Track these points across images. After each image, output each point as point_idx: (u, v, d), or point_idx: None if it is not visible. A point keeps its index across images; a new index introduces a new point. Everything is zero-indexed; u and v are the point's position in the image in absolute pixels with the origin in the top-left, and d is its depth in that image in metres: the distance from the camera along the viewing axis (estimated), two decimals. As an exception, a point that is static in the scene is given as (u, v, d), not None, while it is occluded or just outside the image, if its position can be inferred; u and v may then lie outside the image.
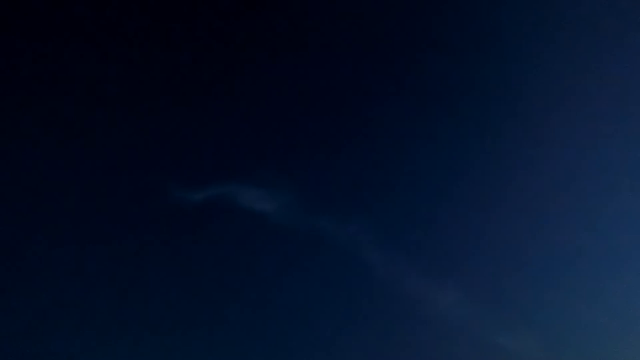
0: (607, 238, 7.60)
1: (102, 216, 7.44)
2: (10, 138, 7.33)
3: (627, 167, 7.64)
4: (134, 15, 7.74)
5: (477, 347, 7.20)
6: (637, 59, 7.78)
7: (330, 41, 7.89)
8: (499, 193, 7.90)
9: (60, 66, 7.62)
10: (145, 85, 7.73)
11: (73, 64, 7.64)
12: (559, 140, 7.91)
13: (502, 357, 7.08)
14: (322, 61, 7.90)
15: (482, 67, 8.03)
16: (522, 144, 7.94)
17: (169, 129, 7.70)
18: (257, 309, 7.38)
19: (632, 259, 7.45)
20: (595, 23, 7.83)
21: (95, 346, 6.92)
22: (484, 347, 7.19)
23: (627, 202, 7.60)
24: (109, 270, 7.30)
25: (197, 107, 7.81)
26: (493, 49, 8.02)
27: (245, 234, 7.54)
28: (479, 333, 7.28)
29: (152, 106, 7.71)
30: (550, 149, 7.91)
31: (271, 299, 7.44)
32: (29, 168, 7.40)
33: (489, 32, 8.04)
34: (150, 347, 7.00)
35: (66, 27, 7.67)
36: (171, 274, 7.37)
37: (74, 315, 7.09)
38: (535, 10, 7.95)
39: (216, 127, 7.81)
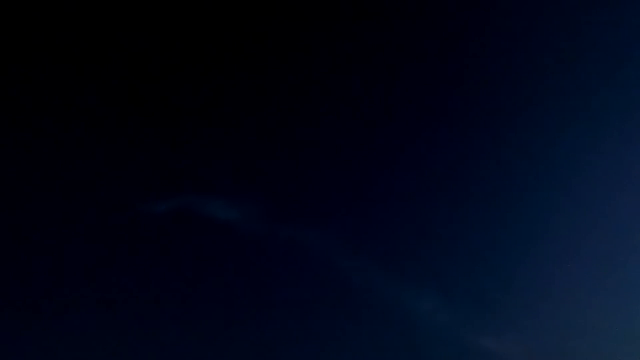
0: (595, 239, 7.33)
1: (65, 228, 7.29)
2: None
3: (621, 172, 7.39)
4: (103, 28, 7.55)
5: (460, 352, 7.03)
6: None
7: (291, 44, 7.68)
8: (477, 193, 7.62)
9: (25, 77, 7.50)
10: (107, 97, 7.57)
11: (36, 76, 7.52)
12: (541, 140, 7.64)
13: (486, 360, 7.02)
14: (281, 64, 7.72)
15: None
16: (500, 143, 7.65)
17: (129, 140, 7.53)
18: (226, 319, 7.18)
19: (620, 262, 7.21)
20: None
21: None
22: (467, 351, 7.02)
23: (620, 204, 7.33)
24: (72, 283, 7.13)
25: (157, 117, 7.63)
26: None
27: (212, 243, 7.36)
28: (462, 337, 7.08)
29: (111, 118, 7.54)
30: (533, 149, 7.65)
31: (240, 308, 7.22)
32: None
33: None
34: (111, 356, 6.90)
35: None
36: (136, 285, 7.22)
37: (35, 329, 6.96)
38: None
39: (177, 137, 7.62)
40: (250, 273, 7.33)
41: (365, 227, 7.47)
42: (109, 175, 7.37)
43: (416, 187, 7.60)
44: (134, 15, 7.54)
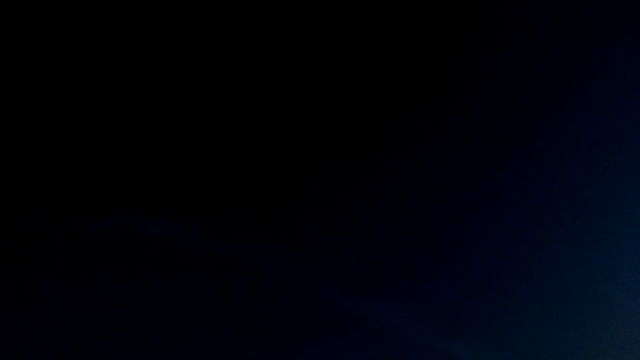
0: (572, 241, 7.18)
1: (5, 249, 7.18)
2: None
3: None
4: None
5: (432, 358, 7.01)
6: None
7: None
8: (442, 194, 7.36)
9: None
10: (42, 114, 7.44)
11: None
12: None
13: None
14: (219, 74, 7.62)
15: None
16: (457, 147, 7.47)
17: (65, 158, 7.42)
18: (166, 336, 7.05)
19: (599, 265, 7.08)
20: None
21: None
22: (439, 357, 7.00)
23: (601, 204, 7.19)
24: (11, 307, 7.03)
25: (92, 135, 7.51)
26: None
27: (154, 261, 7.20)
28: (432, 345, 7.02)
29: (47, 136, 7.38)
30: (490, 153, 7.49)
31: (187, 329, 7.05)
32: None
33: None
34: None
35: None
36: (72, 303, 7.09)
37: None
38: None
39: (112, 155, 7.46)
40: (191, 288, 7.16)
41: (315, 239, 7.22)
42: (44, 193, 7.25)
43: (371, 192, 7.34)
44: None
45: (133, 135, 7.41)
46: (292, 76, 7.50)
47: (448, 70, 7.44)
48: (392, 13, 7.53)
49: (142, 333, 7.01)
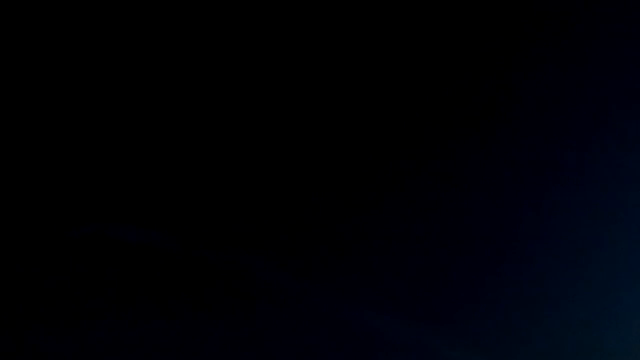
0: (568, 247, 7.16)
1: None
2: None
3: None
4: None
5: None
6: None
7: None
8: (428, 195, 7.34)
9: None
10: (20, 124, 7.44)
11: None
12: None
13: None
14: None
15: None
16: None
17: (44, 167, 7.46)
18: (146, 343, 7.10)
19: (600, 268, 7.02)
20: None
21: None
22: None
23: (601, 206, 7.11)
24: None
25: (72, 148, 7.52)
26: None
27: (129, 265, 7.37)
28: (428, 351, 7.12)
29: (26, 148, 7.41)
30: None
31: (168, 339, 7.08)
32: None
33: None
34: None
35: None
36: (54, 307, 7.04)
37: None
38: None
39: (93, 162, 7.52)
40: (173, 298, 7.23)
41: (308, 248, 7.24)
42: (21, 201, 7.34)
43: (369, 196, 7.34)
44: None
45: (113, 142, 7.45)
46: (288, 76, 7.56)
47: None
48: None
49: (125, 342, 6.99)
